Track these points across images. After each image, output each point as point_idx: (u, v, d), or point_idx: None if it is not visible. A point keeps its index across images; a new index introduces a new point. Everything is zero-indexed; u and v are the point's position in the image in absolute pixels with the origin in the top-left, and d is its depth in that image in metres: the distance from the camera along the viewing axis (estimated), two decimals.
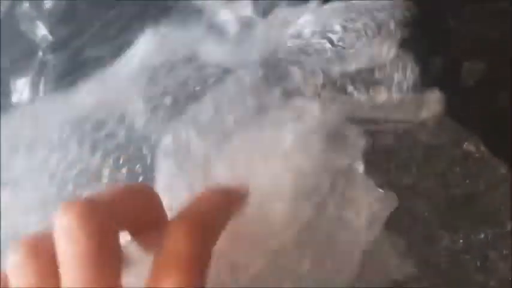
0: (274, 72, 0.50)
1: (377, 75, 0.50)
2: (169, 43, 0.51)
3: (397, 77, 0.49)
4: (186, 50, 0.50)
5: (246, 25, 0.53)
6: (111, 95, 0.49)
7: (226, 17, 0.54)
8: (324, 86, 0.49)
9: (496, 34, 0.56)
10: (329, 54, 0.50)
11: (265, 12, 0.53)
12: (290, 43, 0.51)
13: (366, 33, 0.50)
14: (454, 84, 0.54)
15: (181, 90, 0.50)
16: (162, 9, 0.55)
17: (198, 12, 0.53)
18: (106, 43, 0.54)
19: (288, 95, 0.49)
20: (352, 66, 0.49)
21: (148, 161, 0.48)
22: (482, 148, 0.49)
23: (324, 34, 0.51)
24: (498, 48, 0.55)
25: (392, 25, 0.51)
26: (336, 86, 0.49)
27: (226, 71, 0.50)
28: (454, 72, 0.55)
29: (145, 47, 0.51)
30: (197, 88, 0.50)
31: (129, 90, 0.49)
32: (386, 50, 0.50)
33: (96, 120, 0.49)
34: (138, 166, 0.48)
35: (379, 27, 0.50)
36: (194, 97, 0.49)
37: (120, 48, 0.52)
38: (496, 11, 0.56)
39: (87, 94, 0.50)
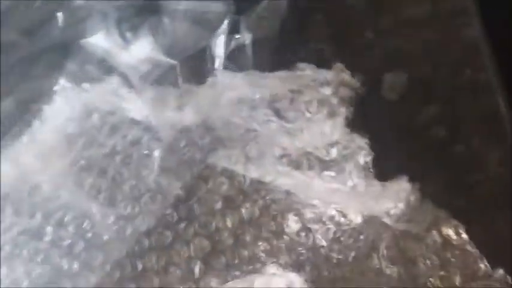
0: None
1: (331, 155, 0.48)
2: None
3: (349, 162, 0.48)
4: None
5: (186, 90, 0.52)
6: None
7: None
8: (281, 158, 0.49)
9: (414, 45, 0.56)
10: (274, 126, 0.49)
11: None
12: (237, 109, 0.50)
13: (308, 109, 0.49)
14: (376, 98, 0.54)
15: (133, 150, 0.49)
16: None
17: None
18: None
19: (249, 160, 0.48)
20: (297, 143, 0.48)
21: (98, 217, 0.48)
22: (463, 235, 0.46)
23: (271, 104, 0.50)
24: (417, 60, 0.56)
25: (335, 102, 0.50)
26: (292, 162, 0.49)
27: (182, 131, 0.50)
28: (375, 86, 0.54)
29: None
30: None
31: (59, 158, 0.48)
32: (330, 130, 0.49)
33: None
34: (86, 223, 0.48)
35: (322, 104, 0.50)
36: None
37: None
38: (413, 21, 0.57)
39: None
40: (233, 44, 0.55)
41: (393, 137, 0.52)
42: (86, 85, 0.52)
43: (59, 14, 0.57)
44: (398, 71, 0.54)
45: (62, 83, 0.54)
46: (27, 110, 0.53)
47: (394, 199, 0.46)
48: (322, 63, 0.54)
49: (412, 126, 0.52)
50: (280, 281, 0.43)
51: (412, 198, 0.46)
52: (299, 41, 0.56)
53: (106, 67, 0.54)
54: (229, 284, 0.43)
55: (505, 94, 0.53)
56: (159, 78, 0.54)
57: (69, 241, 0.47)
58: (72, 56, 0.55)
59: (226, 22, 0.55)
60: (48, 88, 0.54)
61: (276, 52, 0.55)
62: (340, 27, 0.56)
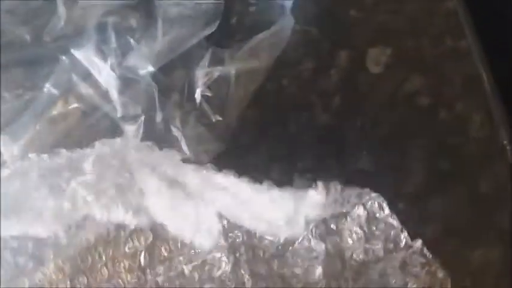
0: None
1: None
2: None
3: None
4: None
5: None
6: None
7: None
8: None
9: (397, 19, 0.58)
10: None
11: None
12: None
13: None
14: (361, 71, 0.56)
15: None
16: None
17: None
18: None
19: None
20: None
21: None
22: (386, 209, 0.48)
23: None
24: (401, 33, 0.57)
25: None
26: None
27: None
28: (360, 61, 0.56)
29: None
30: None
31: None
32: None
33: None
34: None
35: None
36: None
37: None
38: None
39: None
40: (215, 74, 0.54)
41: (379, 107, 0.53)
42: None
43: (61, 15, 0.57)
44: (383, 45, 0.56)
45: (48, 87, 0.54)
46: None
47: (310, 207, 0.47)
48: (310, 44, 0.56)
49: (397, 95, 0.54)
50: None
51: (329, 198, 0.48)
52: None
53: (90, 79, 0.54)
54: None
55: (484, 60, 0.54)
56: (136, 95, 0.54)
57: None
58: (62, 64, 0.55)
59: (208, 54, 0.55)
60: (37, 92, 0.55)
61: None
62: (326, 7, 0.58)
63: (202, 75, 0.54)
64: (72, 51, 0.54)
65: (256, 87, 0.54)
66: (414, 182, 0.51)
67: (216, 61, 0.54)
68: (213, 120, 0.53)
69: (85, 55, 0.54)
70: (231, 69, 0.54)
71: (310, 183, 0.50)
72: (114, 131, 0.53)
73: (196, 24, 0.55)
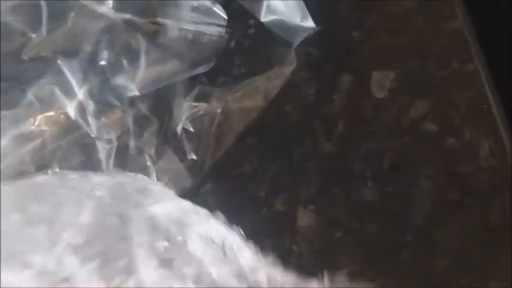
0: None
1: None
2: None
3: None
4: None
5: None
6: None
7: None
8: None
9: (400, 40, 0.56)
10: None
11: None
12: None
13: None
14: (365, 95, 0.54)
15: None
16: None
17: None
18: None
19: None
20: None
21: None
22: None
23: None
24: (405, 55, 0.56)
25: None
26: None
27: None
28: (364, 85, 0.54)
29: None
30: None
31: None
32: None
33: None
34: None
35: None
36: None
37: None
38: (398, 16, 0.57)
39: None
40: (201, 111, 0.53)
41: (384, 133, 0.52)
42: None
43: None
44: (386, 68, 0.54)
45: (29, 96, 0.51)
46: None
47: None
48: (312, 67, 0.55)
49: (403, 121, 0.53)
50: None
51: None
52: (286, 45, 0.56)
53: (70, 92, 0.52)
54: None
55: (493, 83, 0.53)
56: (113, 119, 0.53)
57: None
58: (49, 73, 0.52)
59: (196, 89, 0.54)
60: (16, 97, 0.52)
61: None
62: (327, 28, 0.56)
63: (187, 109, 0.53)
64: (60, 64, 0.52)
65: (243, 127, 0.53)
66: (422, 212, 0.49)
67: (203, 97, 0.53)
68: (188, 157, 0.51)
69: (72, 70, 0.52)
70: (217, 107, 0.53)
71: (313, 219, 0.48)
72: (89, 150, 0.51)
73: (192, 56, 0.54)
